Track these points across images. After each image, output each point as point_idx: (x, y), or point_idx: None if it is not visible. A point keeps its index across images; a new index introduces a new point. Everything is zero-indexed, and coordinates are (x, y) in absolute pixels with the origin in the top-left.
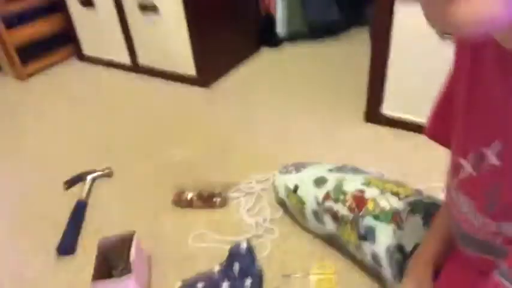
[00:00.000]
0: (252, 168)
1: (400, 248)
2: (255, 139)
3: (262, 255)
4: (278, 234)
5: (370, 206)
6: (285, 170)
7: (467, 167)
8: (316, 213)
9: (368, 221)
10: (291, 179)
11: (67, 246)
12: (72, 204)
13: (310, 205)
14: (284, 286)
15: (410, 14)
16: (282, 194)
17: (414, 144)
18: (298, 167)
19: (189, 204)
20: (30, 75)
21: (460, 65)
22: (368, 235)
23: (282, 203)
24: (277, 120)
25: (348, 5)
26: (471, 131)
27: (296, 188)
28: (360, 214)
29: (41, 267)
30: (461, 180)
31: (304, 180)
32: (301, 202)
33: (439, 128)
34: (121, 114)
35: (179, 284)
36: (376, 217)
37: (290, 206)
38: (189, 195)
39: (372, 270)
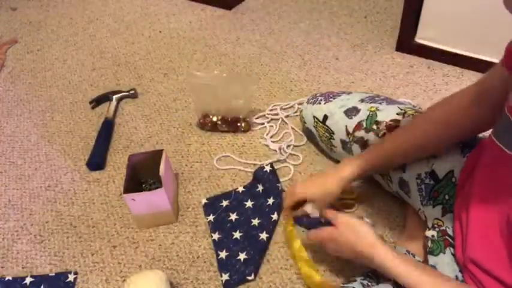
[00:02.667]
0: (277, 94)
1: (432, 175)
2: (280, 65)
3: (285, 179)
4: (301, 160)
5: None
6: (314, 99)
7: None
8: (344, 143)
9: None
10: (319, 109)
11: (97, 161)
12: (99, 122)
13: (339, 135)
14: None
15: None
16: (310, 124)
17: (447, 76)
18: (327, 96)
19: (214, 127)
20: None
21: None
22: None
23: (308, 133)
24: (304, 46)
25: None
26: None
27: (325, 118)
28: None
29: (72, 179)
30: None
31: (334, 110)
32: (330, 132)
33: None
34: (142, 34)
35: (204, 201)
36: None
37: (317, 136)
38: (214, 119)
39: (395, 196)
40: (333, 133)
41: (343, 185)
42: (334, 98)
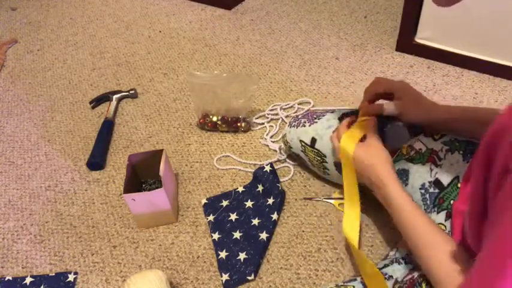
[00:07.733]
0: (277, 94)
1: (436, 183)
2: (280, 65)
3: (284, 179)
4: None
5: (403, 150)
6: (296, 122)
7: None
8: (338, 165)
9: (401, 164)
10: (305, 132)
11: (97, 161)
12: (99, 122)
13: (331, 158)
14: (306, 208)
15: None
16: (297, 149)
17: (447, 76)
18: (311, 117)
19: (214, 127)
20: None
21: None
22: (400, 178)
23: (295, 157)
24: (304, 46)
25: None
26: None
27: (314, 142)
28: (392, 159)
29: (72, 179)
30: None
31: (321, 132)
32: (321, 155)
33: None
34: (142, 34)
35: (204, 200)
36: (410, 160)
37: (307, 161)
38: (214, 119)
39: None
40: (325, 156)
41: (428, 114)
42: (319, 119)
